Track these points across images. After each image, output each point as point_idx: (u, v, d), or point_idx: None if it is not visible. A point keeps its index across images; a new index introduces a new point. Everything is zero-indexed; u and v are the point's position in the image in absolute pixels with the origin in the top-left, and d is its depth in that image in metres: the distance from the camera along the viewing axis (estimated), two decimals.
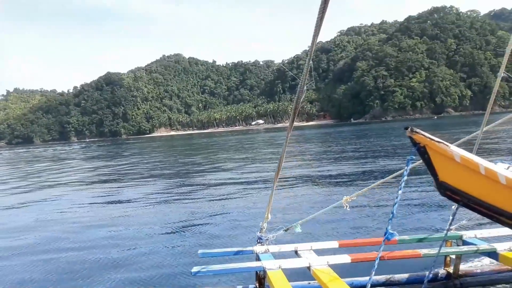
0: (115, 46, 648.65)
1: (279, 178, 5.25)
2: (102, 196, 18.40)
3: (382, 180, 5.09)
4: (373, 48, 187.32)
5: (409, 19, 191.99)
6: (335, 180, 19.05)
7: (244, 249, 5.62)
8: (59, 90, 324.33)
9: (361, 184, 16.16)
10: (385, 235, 2.69)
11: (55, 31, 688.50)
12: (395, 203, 2.60)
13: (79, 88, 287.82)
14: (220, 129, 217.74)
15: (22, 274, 8.26)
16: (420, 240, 5.44)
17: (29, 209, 15.95)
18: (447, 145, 2.58)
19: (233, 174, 23.86)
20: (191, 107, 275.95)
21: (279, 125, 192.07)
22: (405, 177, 2.66)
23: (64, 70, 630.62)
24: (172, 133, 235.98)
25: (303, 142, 51.30)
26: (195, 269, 4.79)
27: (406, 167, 2.63)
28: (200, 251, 5.51)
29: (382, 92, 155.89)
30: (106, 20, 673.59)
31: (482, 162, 2.54)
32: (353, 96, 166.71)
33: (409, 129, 2.65)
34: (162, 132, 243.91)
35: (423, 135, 2.59)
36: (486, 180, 2.54)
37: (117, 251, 9.38)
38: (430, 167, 2.68)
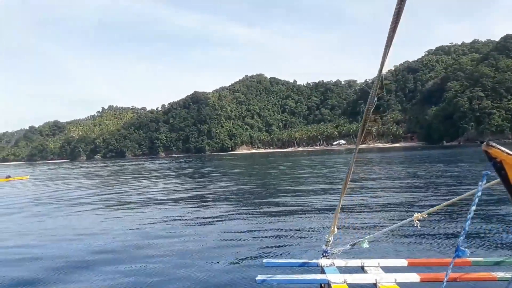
0: (201, 67, 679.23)
1: (348, 194, 5.02)
2: (187, 208, 19.16)
3: (457, 198, 4.80)
4: (465, 68, 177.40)
5: (506, 37, 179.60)
6: (407, 199, 18.59)
7: (309, 261, 5.52)
8: (148, 108, 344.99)
9: (435, 202, 15.25)
10: (455, 252, 2.54)
11: (144, 54, 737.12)
12: (468, 219, 2.44)
13: (167, 106, 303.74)
14: (301, 148, 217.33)
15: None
16: (497, 263, 5.05)
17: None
18: None
19: (306, 191, 23.87)
20: (272, 126, 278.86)
21: (363, 146, 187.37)
22: (479, 193, 2.48)
23: (153, 89, 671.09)
24: (253, 150, 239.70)
25: (383, 163, 49.98)
26: (260, 277, 4.79)
27: (480, 183, 2.43)
28: (265, 260, 5.46)
29: (478, 114, 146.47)
30: (191, 44, 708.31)
31: None
32: (445, 118, 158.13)
33: (484, 143, 2.33)
34: (243, 150, 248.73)
35: (499, 149, 2.27)
36: None
37: (189, 256, 9.85)
38: (507, 184, 2.37)
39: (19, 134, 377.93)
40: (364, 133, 3.81)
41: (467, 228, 2.46)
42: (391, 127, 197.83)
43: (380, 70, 3.12)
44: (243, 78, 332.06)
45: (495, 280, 4.67)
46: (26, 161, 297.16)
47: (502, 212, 14.05)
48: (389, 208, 16.34)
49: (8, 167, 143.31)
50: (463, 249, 2.58)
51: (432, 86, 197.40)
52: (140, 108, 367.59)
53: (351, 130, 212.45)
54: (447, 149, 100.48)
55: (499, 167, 2.34)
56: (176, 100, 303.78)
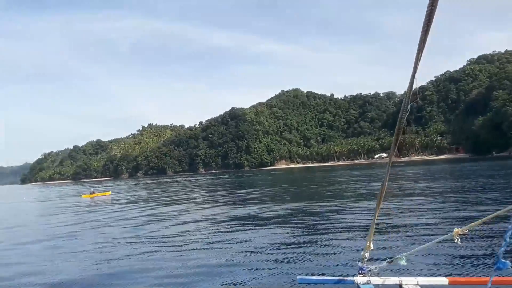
0: (237, 84, 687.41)
1: (386, 209, 4.62)
2: (224, 224, 19.24)
3: (500, 212, 4.34)
4: (511, 76, 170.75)
5: None
6: (448, 214, 18.00)
7: (345, 278, 5.34)
8: (186, 125, 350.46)
9: (477, 217, 14.97)
10: (496, 264, 2.38)
11: (180, 73, 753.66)
12: (510, 229, 2.31)
13: (205, 123, 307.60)
14: (341, 162, 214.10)
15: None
16: None
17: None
18: None
19: (342, 205, 23.81)
20: (310, 140, 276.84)
21: (406, 158, 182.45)
22: None
23: (191, 107, 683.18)
24: (292, 165, 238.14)
25: (425, 177, 48.70)
26: None
27: None
28: (298, 277, 5.30)
29: None
30: (226, 61, 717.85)
31: None
32: (493, 128, 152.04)
33: None
34: (282, 165, 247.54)
35: None
36: None
37: (228, 271, 10.00)
38: None
39: (63, 153, 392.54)
40: (398, 143, 3.65)
41: (508, 239, 2.31)
42: (434, 139, 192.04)
43: (413, 75, 2.99)
44: (279, 93, 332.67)
45: None
46: (71, 179, 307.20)
47: None
48: (428, 224, 15.86)
49: (55, 186, 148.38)
50: (504, 260, 2.43)
51: (476, 95, 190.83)
52: (178, 125, 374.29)
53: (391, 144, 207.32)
54: (497, 160, 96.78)
55: None
56: (214, 117, 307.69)
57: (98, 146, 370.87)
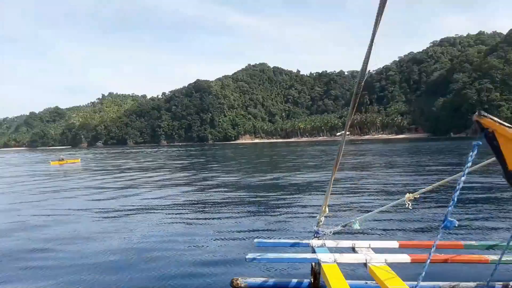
0: (202, 55, 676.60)
1: (342, 177, 4.53)
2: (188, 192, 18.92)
3: (449, 178, 4.95)
4: (472, 60, 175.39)
5: None
6: (401, 183, 19.19)
7: (300, 241, 5.65)
8: (149, 96, 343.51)
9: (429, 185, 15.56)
10: (443, 222, 2.49)
11: (143, 42, 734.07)
12: (457, 190, 2.44)
13: (169, 94, 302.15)
14: (304, 139, 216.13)
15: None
16: (489, 247, 5.26)
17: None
18: None
19: (302, 176, 24.43)
20: (275, 115, 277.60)
21: (367, 136, 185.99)
22: (470, 163, 2.48)
23: (153, 77, 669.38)
24: (256, 140, 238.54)
25: (383, 153, 50.96)
26: (250, 256, 4.83)
27: (471, 153, 2.43)
28: (256, 240, 5.56)
29: (486, 106, 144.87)
30: (191, 32, 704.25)
31: None
32: (452, 110, 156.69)
33: (476, 113, 2.43)
34: (246, 140, 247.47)
35: (492, 119, 2.38)
36: None
37: (183, 238, 9.71)
38: (498, 154, 2.46)
39: (19, 120, 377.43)
40: (354, 110, 4.01)
41: (455, 199, 2.46)
42: (395, 119, 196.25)
43: (368, 50, 3.20)
44: (246, 67, 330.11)
45: (487, 262, 4.78)
46: (27, 147, 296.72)
47: (498, 196, 14.67)
48: (382, 191, 16.69)
49: (9, 153, 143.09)
50: (451, 219, 2.53)
51: (437, 77, 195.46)
52: (140, 95, 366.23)
53: (355, 121, 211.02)
54: (455, 140, 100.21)
55: (491, 137, 2.44)
56: (178, 88, 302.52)
57: (55, 114, 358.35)
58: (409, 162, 34.37)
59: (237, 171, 30.94)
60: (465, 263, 5.15)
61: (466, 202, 13.42)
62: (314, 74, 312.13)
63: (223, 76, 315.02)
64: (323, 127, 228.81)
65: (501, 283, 5.48)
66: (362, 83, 3.47)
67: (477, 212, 11.88)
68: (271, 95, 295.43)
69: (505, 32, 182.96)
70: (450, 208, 2.50)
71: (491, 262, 4.81)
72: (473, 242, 5.56)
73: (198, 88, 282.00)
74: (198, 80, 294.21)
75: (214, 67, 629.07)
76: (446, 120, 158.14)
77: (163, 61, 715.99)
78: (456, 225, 2.62)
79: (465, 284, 5.46)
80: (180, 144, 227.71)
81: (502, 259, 4.36)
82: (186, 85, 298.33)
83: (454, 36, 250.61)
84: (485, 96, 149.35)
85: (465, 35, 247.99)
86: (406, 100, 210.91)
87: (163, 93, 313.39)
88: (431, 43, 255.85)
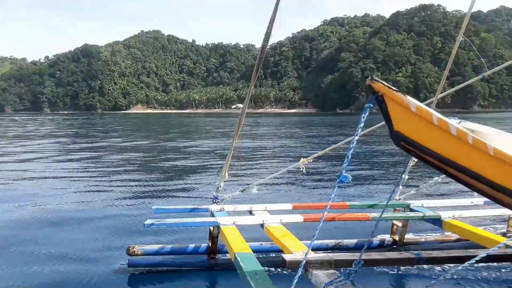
0: (92, 18, 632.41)
1: (241, 145, 5.00)
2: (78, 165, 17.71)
3: (341, 142, 5.35)
4: (358, 40, 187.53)
5: (397, 14, 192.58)
6: (295, 150, 20.62)
7: (199, 207, 5.78)
8: (29, 59, 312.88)
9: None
10: (339, 177, 2.64)
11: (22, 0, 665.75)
12: (351, 148, 2.60)
13: (53, 58, 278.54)
14: (199, 111, 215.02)
15: None
16: (371, 206, 5.74)
17: None
18: (404, 95, 2.60)
19: (200, 145, 25.02)
20: (169, 85, 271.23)
21: (260, 110, 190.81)
22: (362, 124, 2.66)
23: (36, 38, 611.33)
24: (149, 111, 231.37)
25: (278, 125, 53.61)
26: (148, 221, 4.75)
27: (363, 114, 2.61)
28: (154, 207, 5.52)
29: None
30: None
31: (436, 113, 2.62)
32: (339, 87, 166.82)
33: (369, 78, 2.58)
34: (138, 109, 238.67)
35: (382, 83, 2.55)
36: (438, 130, 2.65)
37: (76, 207, 9.26)
38: (386, 116, 2.68)
39: None
40: (256, 79, 4.25)
41: (350, 157, 2.57)
42: (287, 93, 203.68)
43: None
44: (138, 33, 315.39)
45: (369, 219, 5.21)
46: None
47: (383, 160, 16.11)
48: (278, 158, 17.73)
49: None
50: (346, 174, 2.66)
51: (327, 55, 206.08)
52: (20, 58, 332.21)
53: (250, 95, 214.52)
54: (340, 115, 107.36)
55: (380, 100, 2.59)
56: (63, 52, 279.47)
57: None
58: (302, 133, 36.38)
59: (131, 140, 29.97)
60: (350, 221, 5.59)
61: (354, 166, 14.55)
62: (210, 45, 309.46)
63: (113, 42, 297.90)
64: (218, 100, 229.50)
65: (379, 238, 6.02)
66: (264, 54, 3.60)
67: (364, 175, 12.83)
68: (165, 64, 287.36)
69: (387, 15, 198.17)
70: (345, 164, 2.62)
71: (372, 219, 5.18)
72: (357, 202, 6.00)
73: (86, 53, 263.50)
74: (86, 44, 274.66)
75: (105, 33, 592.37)
76: (333, 96, 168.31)
77: (48, 22, 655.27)
78: (350, 180, 2.72)
79: (348, 241, 5.88)
80: (66, 112, 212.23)
81: (382, 216, 4.73)
82: (73, 49, 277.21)
83: (343, 16, 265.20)
84: (368, 75, 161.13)
85: (352, 16, 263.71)
86: (298, 76, 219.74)
87: (46, 57, 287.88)
88: (322, 21, 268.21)
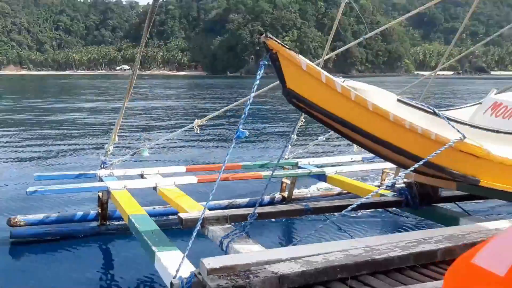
0: None
1: (131, 108, 5.09)
2: None
3: (237, 103, 5.46)
4: (246, 2, 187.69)
5: None
6: (189, 113, 20.43)
7: (86, 172, 5.54)
8: None
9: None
10: (236, 133, 2.71)
11: None
12: (247, 105, 2.67)
13: None
14: (81, 72, 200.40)
15: None
16: (262, 165, 6.02)
17: None
18: (296, 53, 2.75)
19: (86, 109, 23.69)
20: (44, 44, 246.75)
21: (148, 72, 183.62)
22: (258, 81, 2.71)
23: None
24: (23, 72, 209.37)
25: (165, 88, 52.49)
26: (31, 189, 4.48)
27: (259, 72, 2.68)
28: (36, 174, 5.23)
29: (258, 48, 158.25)
30: None
31: (324, 72, 2.84)
32: (228, 49, 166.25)
33: (263, 35, 2.73)
34: (11, 70, 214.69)
35: (276, 41, 2.68)
36: (325, 88, 2.85)
37: None
38: (279, 73, 2.81)
39: None
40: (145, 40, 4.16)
41: (246, 113, 2.62)
42: (176, 55, 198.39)
43: None
44: None
45: (261, 177, 5.48)
46: None
47: (276, 121, 16.41)
48: (171, 120, 17.30)
49: None
50: (243, 130, 2.70)
51: (215, 16, 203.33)
52: None
53: (136, 56, 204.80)
54: (230, 79, 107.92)
55: (274, 58, 2.73)
56: None
57: None
58: (194, 95, 36.01)
59: (7, 102, 27.69)
60: (243, 180, 5.76)
61: (248, 125, 14.84)
62: (89, 1, 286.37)
63: None
64: (101, 60, 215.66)
65: (269, 196, 6.34)
66: (155, 10, 3.45)
67: (257, 136, 13.15)
68: (38, 20, 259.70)
69: None
70: (242, 120, 2.65)
71: (264, 177, 5.43)
72: (249, 163, 6.22)
73: None
74: None
75: None
76: (223, 59, 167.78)
77: None
78: (247, 135, 2.80)
79: (241, 200, 6.08)
80: None
81: (273, 174, 4.83)
82: None
83: None
84: (257, 38, 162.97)
85: None
86: (186, 36, 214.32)
87: None
88: None
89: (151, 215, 4.25)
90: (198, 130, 5.32)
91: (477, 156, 3.26)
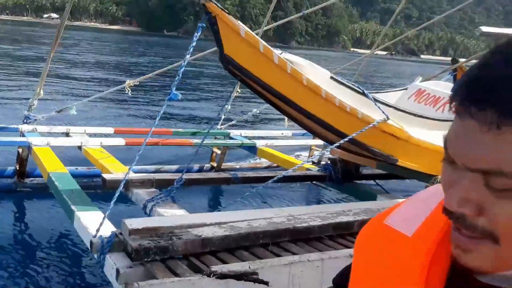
0: None
1: (59, 61, 4.93)
2: None
3: (172, 66, 5.30)
4: None
5: None
6: (121, 72, 19.63)
7: (7, 126, 5.22)
8: None
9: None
10: (169, 95, 2.68)
11: None
12: (182, 67, 2.64)
13: None
14: (4, 17, 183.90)
15: None
16: (194, 133, 5.95)
17: None
18: (235, 19, 2.76)
19: (9, 58, 21.88)
20: None
21: (78, 23, 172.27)
22: (194, 43, 2.65)
23: None
24: None
25: (100, 41, 50.16)
26: None
27: (196, 34, 2.65)
28: None
29: (197, 9, 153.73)
30: None
31: (262, 41, 2.81)
32: (166, 7, 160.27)
33: None
34: None
35: (216, 4, 2.66)
36: (263, 58, 2.82)
37: None
38: (217, 38, 2.80)
39: None
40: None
41: (181, 75, 2.57)
42: (110, 8, 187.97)
43: None
44: None
45: (191, 145, 5.46)
46: None
47: (211, 88, 16.22)
48: (101, 78, 16.32)
49: None
50: (176, 92, 2.64)
51: None
52: None
53: (65, 3, 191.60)
54: (167, 38, 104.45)
55: (213, 22, 2.72)
56: None
57: None
58: (129, 53, 34.36)
59: None
60: (173, 145, 5.74)
61: (182, 92, 14.44)
62: None
63: None
64: (28, 6, 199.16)
65: (198, 164, 6.25)
66: None
67: (191, 103, 12.83)
68: None
69: None
70: (175, 82, 2.60)
71: (194, 144, 5.38)
72: (181, 129, 6.13)
73: None
74: None
75: None
76: (161, 16, 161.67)
77: None
78: (180, 98, 2.74)
79: (169, 167, 5.99)
80: None
81: (204, 142, 4.82)
82: None
83: None
84: None
85: None
86: None
87: None
88: None
89: (74, 175, 4.05)
90: (130, 91, 5.09)
91: (398, 137, 3.47)
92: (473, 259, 0.58)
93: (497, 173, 0.51)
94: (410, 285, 0.66)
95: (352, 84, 3.42)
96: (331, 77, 3.32)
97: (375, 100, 3.34)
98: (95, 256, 2.51)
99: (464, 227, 0.56)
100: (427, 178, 3.66)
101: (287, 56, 3.13)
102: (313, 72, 3.19)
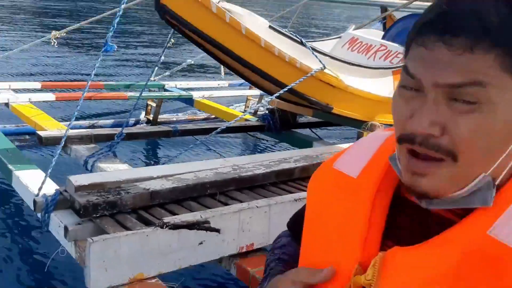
0: None
1: None
2: None
3: (104, 14, 5.14)
4: None
5: None
6: (47, 23, 18.28)
7: None
8: None
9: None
10: (104, 47, 2.60)
11: None
12: (117, 17, 2.58)
13: None
14: None
15: None
16: (127, 86, 5.83)
17: None
18: None
19: None
20: None
21: None
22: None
23: None
24: None
25: None
26: None
27: None
28: None
29: None
30: None
31: None
32: None
33: None
34: None
35: None
36: (200, 7, 2.80)
37: None
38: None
39: None
40: None
41: (115, 25, 2.51)
42: None
43: None
44: None
45: (126, 98, 5.42)
46: None
47: (145, 39, 15.52)
48: (24, 29, 15.31)
49: None
50: (111, 44, 2.59)
51: None
52: None
53: None
54: None
55: None
56: None
57: None
58: (51, 2, 31.88)
59: None
60: (107, 99, 5.59)
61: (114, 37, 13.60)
62: None
63: None
64: None
65: (134, 118, 6.06)
66: None
67: (124, 54, 12.14)
68: None
69: None
70: (110, 33, 2.53)
71: (129, 98, 5.30)
72: (113, 82, 5.91)
73: None
74: None
75: None
76: None
77: None
78: (116, 49, 2.69)
79: (104, 122, 5.81)
80: None
81: (136, 95, 4.73)
82: None
83: None
84: None
85: None
86: None
87: None
88: None
89: (5, 133, 3.86)
90: (56, 43, 4.79)
91: (333, 85, 3.59)
92: (431, 181, 0.62)
93: (468, 83, 0.55)
94: (357, 220, 0.71)
95: (290, 33, 3.45)
96: (270, 26, 3.32)
97: (312, 49, 3.39)
98: (39, 215, 2.45)
99: (429, 148, 0.60)
100: (359, 124, 3.86)
101: (225, 5, 3.08)
102: (251, 21, 3.18)
